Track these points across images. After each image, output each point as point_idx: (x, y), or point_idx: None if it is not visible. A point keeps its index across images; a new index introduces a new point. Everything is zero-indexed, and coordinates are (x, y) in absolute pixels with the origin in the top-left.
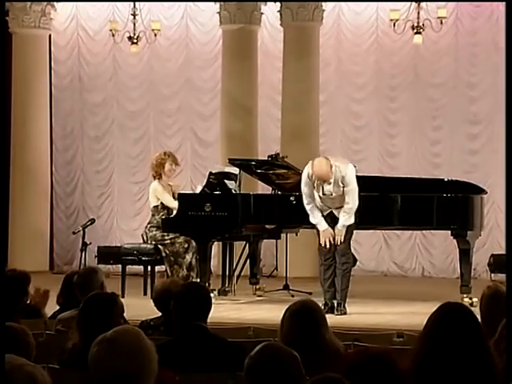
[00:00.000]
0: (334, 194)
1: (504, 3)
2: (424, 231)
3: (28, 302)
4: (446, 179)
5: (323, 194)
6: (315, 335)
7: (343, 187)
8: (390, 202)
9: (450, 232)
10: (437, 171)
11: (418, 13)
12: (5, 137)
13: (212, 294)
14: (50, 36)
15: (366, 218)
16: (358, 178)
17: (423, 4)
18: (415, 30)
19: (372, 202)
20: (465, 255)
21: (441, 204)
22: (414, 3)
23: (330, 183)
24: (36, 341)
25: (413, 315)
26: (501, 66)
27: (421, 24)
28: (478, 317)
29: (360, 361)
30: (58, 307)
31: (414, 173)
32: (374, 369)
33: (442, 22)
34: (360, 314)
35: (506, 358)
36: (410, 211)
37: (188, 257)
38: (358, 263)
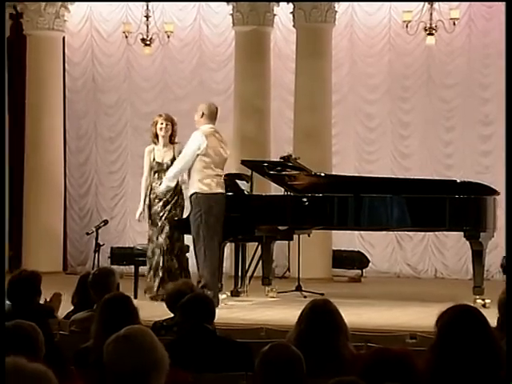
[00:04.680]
0: None
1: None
2: (437, 232)
3: (42, 302)
4: (458, 180)
5: None
6: (332, 337)
7: None
8: (403, 203)
9: (462, 233)
10: (449, 172)
11: (431, 14)
12: (19, 138)
13: (224, 295)
14: (63, 38)
15: (379, 220)
16: (371, 179)
17: (436, 5)
18: (428, 31)
19: (385, 203)
20: (478, 256)
21: (453, 205)
22: (426, 4)
23: None
24: None
25: (426, 316)
26: None
27: (433, 25)
28: (489, 318)
29: (378, 361)
30: (72, 307)
31: (427, 174)
32: (392, 369)
33: (454, 23)
34: (373, 315)
35: (506, 357)
36: (422, 212)
37: (161, 238)
38: (370, 264)
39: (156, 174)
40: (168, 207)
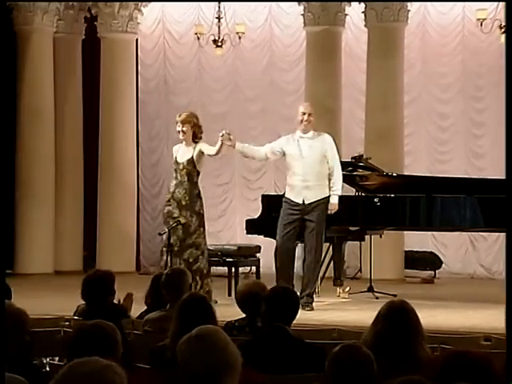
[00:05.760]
0: (312, 153)
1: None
2: None
3: (116, 302)
4: None
5: (301, 155)
6: (409, 337)
7: (324, 155)
8: (476, 203)
9: None
10: None
11: None
12: (93, 140)
13: None
14: (136, 40)
15: (452, 220)
16: (444, 179)
17: None
18: (503, 30)
19: (458, 204)
20: None
21: None
22: (501, 2)
23: (309, 137)
24: None
25: (501, 318)
26: None
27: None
28: None
29: (456, 363)
30: (145, 307)
31: (501, 174)
32: (470, 372)
33: None
34: (446, 317)
35: (507, 358)
36: (496, 213)
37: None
38: (443, 265)
39: (174, 173)
40: (184, 213)
